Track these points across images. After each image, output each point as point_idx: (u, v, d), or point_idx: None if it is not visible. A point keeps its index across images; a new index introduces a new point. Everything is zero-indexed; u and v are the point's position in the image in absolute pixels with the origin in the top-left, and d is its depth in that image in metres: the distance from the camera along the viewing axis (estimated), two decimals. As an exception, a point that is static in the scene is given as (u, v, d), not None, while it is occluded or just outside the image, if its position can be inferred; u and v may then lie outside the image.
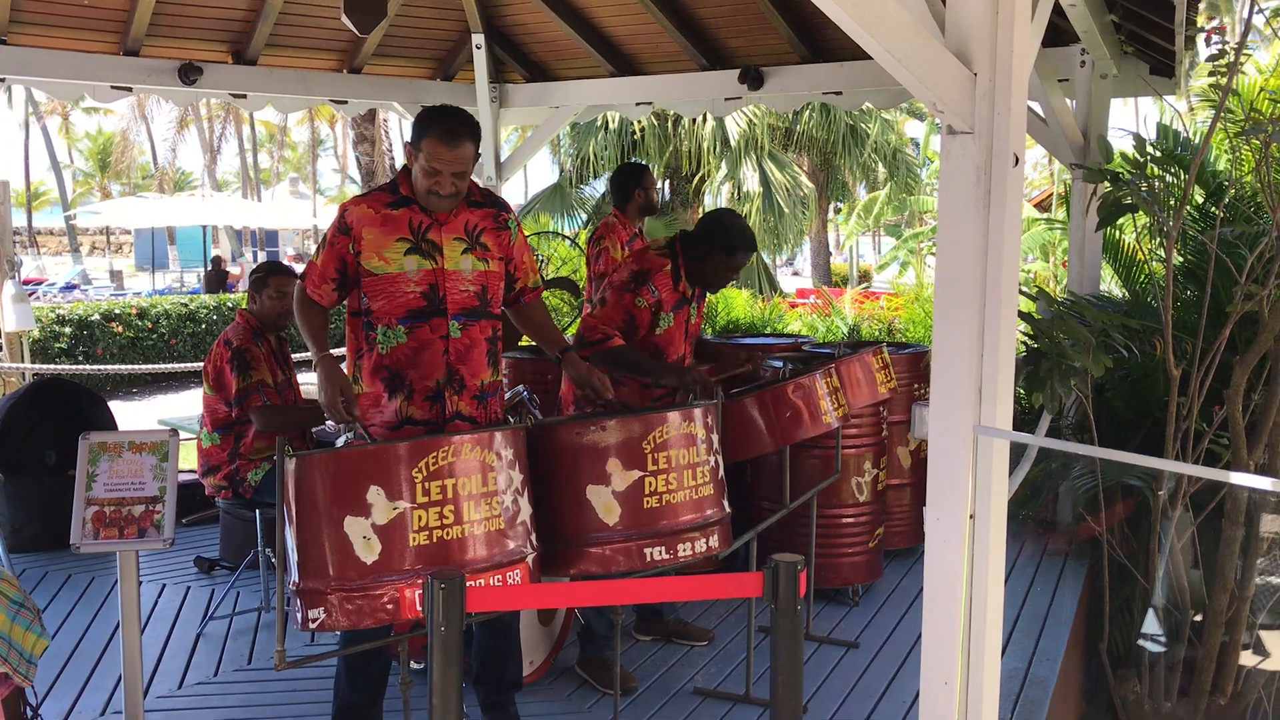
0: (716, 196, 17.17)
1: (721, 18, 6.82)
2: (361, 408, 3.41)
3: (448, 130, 3.27)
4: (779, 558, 2.26)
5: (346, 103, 7.64)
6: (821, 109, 17.26)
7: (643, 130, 15.85)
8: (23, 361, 10.36)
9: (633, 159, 16.52)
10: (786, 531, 4.93)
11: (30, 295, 27.69)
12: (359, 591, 2.74)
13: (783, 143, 17.84)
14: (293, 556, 2.83)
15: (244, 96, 7.12)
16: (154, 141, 43.63)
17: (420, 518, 2.74)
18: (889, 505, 5.50)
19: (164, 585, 5.34)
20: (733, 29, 6.88)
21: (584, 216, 15.96)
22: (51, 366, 12.37)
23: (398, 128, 25.63)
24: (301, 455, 2.80)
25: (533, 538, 2.96)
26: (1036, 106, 5.91)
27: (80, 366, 12.96)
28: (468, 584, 2.09)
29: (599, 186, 16.97)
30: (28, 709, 3.17)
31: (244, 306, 4.75)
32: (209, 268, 25.11)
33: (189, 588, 5.31)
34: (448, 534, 2.77)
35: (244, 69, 6.86)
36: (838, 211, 28.86)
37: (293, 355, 4.93)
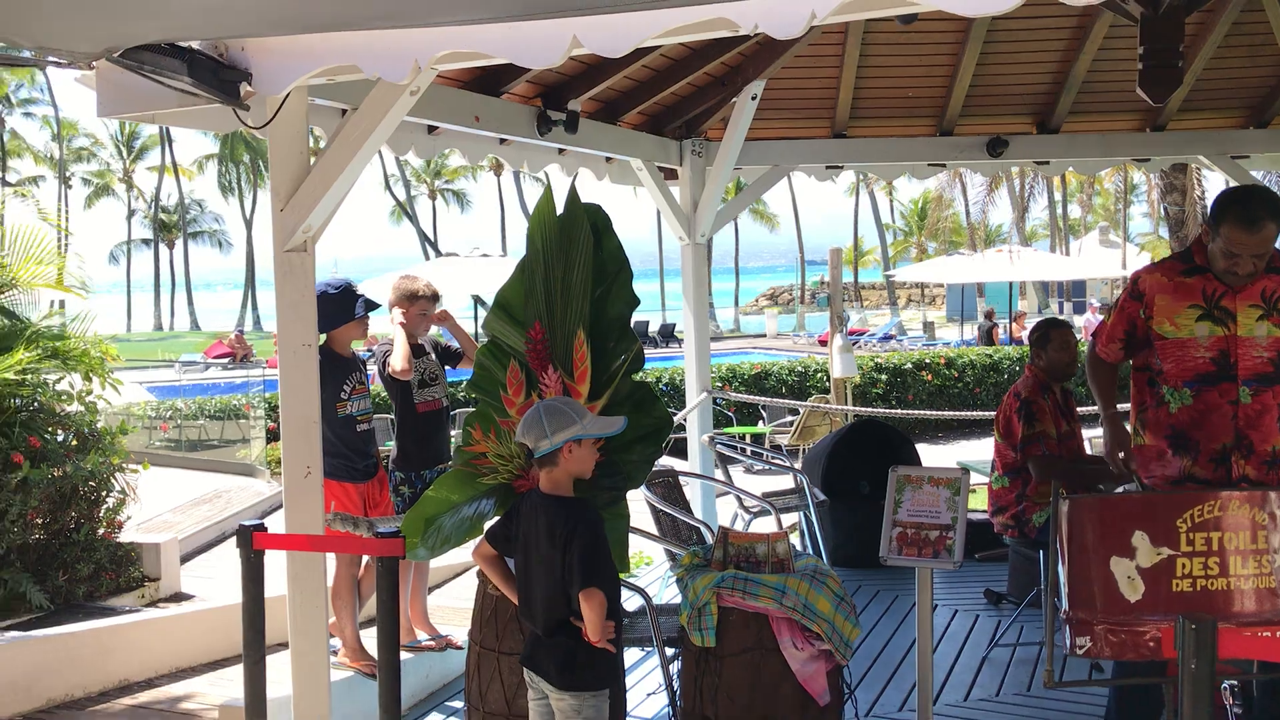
0: None
1: None
2: (1144, 460, 3.61)
3: (1246, 215, 3.34)
4: None
5: (1148, 160, 7.71)
6: None
7: None
8: (846, 404, 11.90)
9: None
10: None
11: (853, 345, 31.06)
12: (1123, 626, 2.99)
13: None
14: (1064, 587, 3.16)
15: (1046, 163, 7.58)
16: (967, 201, 46.20)
17: (1184, 565, 2.92)
18: None
19: (956, 611, 5.92)
20: None
21: None
22: (869, 409, 13.92)
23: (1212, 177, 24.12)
24: (1074, 498, 3.14)
25: (1308, 601, 2.94)
26: None
27: (892, 410, 14.38)
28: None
29: None
30: (845, 687, 3.90)
31: (1030, 361, 5.17)
32: (983, 320, 26.15)
33: (978, 616, 5.83)
34: (1212, 584, 2.90)
35: (1047, 138, 7.31)
36: None
37: (1078, 409, 5.21)
